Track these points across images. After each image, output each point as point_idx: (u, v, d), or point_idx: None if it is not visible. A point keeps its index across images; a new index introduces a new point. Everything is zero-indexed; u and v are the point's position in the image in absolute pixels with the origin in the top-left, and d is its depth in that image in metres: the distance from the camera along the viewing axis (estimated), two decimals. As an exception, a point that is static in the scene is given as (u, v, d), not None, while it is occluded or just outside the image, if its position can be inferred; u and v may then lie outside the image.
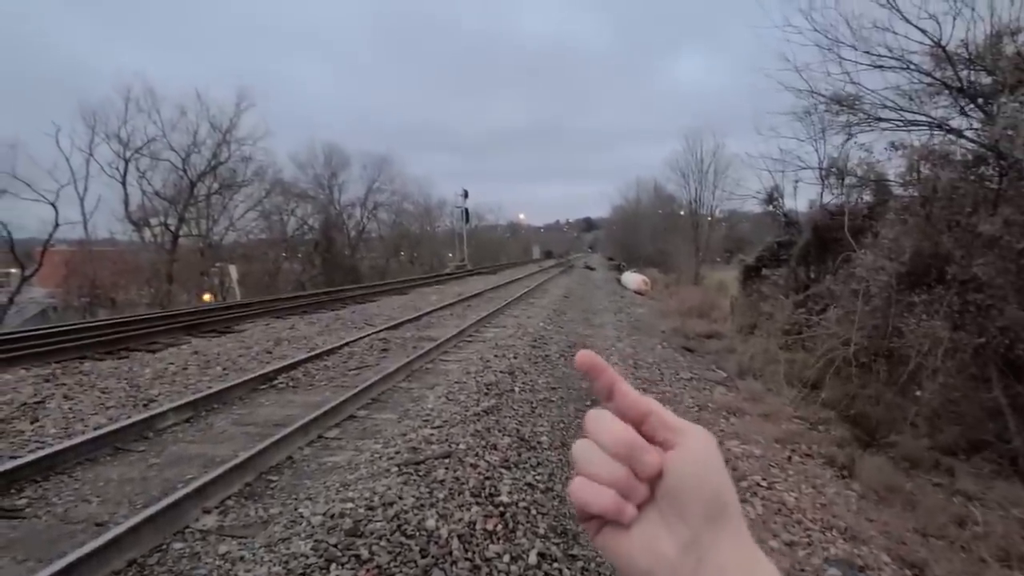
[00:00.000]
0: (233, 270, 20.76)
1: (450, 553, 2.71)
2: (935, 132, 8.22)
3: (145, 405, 5.00)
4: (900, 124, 8.67)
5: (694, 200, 40.13)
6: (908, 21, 7.88)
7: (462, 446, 3.84)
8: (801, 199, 16.23)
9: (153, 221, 27.51)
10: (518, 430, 4.46)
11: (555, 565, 2.85)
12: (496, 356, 6.81)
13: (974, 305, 6.59)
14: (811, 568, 3.72)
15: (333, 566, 2.53)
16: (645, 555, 0.34)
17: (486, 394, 5.15)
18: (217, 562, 2.64)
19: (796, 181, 14.23)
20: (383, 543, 2.70)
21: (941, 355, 6.53)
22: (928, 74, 8.16)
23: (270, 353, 7.15)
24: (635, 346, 9.66)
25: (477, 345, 7.89)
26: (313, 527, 2.83)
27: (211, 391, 5.08)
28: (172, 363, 6.45)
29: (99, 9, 78.80)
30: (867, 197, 11.01)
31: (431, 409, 4.71)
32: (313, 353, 6.77)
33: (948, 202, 7.40)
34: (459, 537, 2.82)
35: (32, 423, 4.52)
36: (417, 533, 2.80)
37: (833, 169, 12.11)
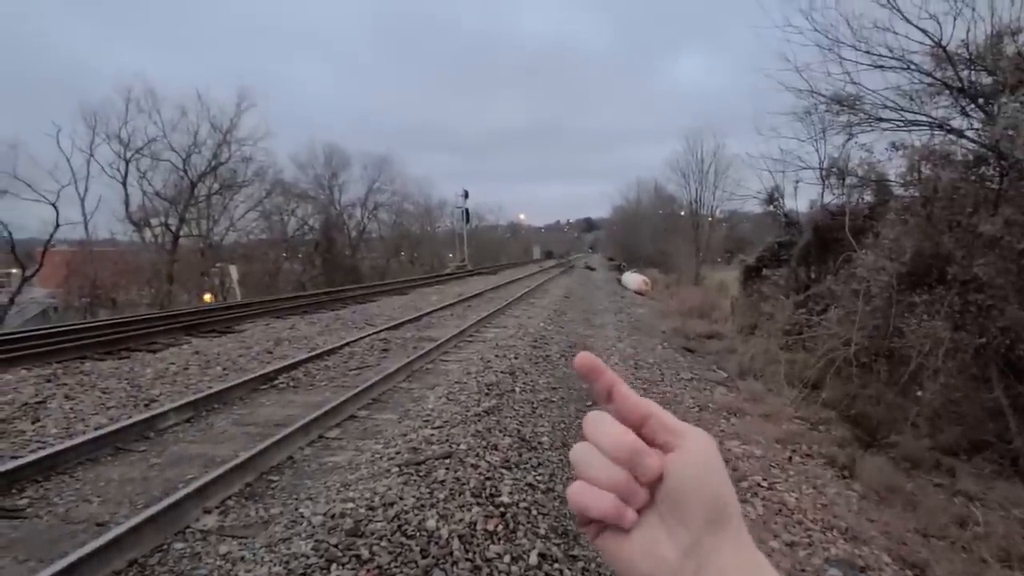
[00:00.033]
0: (233, 270, 20.76)
1: (451, 553, 2.71)
2: (936, 132, 8.23)
3: (146, 405, 5.01)
4: (901, 124, 8.67)
5: (695, 200, 40.14)
6: (908, 21, 7.88)
7: (463, 446, 3.84)
8: (802, 199, 16.27)
9: (154, 221, 27.57)
10: (519, 430, 4.46)
11: (556, 566, 2.85)
12: (497, 356, 6.81)
13: (975, 305, 6.58)
14: (812, 568, 3.71)
15: (334, 566, 2.53)
16: (646, 559, 0.34)
17: (487, 394, 5.15)
18: (218, 562, 2.64)
19: (797, 181, 14.25)
20: (384, 543, 2.70)
21: (942, 355, 6.52)
22: (929, 74, 8.16)
23: (271, 353, 7.15)
24: (636, 346, 9.66)
25: (478, 345, 7.89)
26: (314, 527, 2.83)
27: (212, 391, 5.08)
28: (173, 363, 6.45)
29: (99, 9, 78.95)
30: (868, 197, 11.01)
31: (432, 409, 4.71)
32: (314, 353, 6.77)
33: (949, 202, 7.39)
34: (460, 537, 2.82)
35: (33, 423, 4.52)
36: (418, 533, 2.80)
37: (834, 169, 12.11)
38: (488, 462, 3.69)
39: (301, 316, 10.56)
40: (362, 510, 2.96)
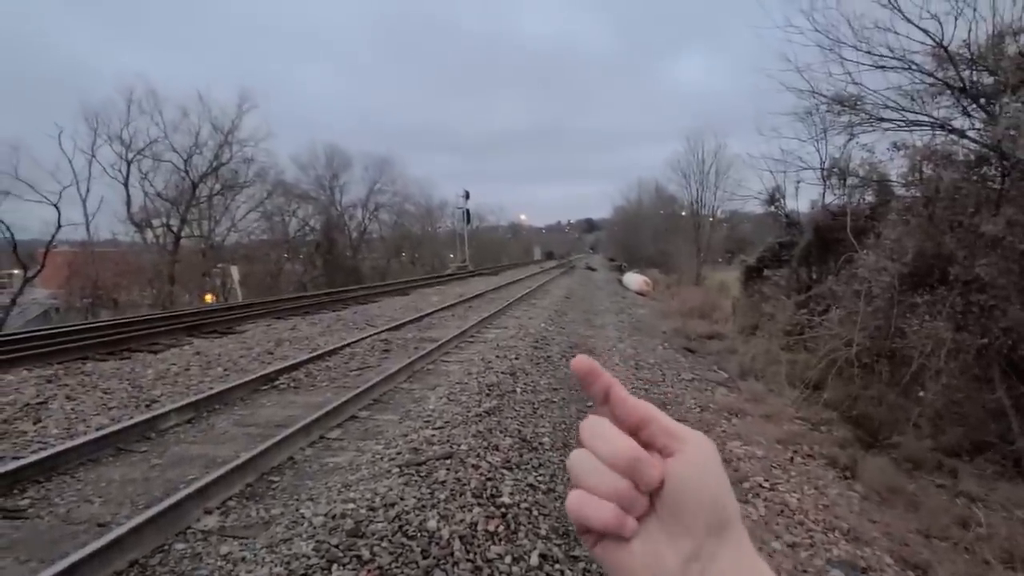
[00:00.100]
0: (235, 271, 20.79)
1: (451, 554, 2.71)
2: (937, 132, 8.21)
3: (147, 406, 5.01)
4: (902, 124, 8.65)
5: (695, 201, 40.20)
6: (910, 21, 7.87)
7: (464, 447, 3.84)
8: (803, 199, 16.20)
9: (155, 222, 27.61)
10: (520, 431, 4.46)
11: (557, 566, 2.84)
12: (498, 357, 6.81)
13: (977, 306, 6.57)
14: (814, 569, 3.70)
15: (334, 567, 2.53)
16: (646, 567, 0.34)
17: (488, 395, 5.15)
18: (219, 563, 2.64)
19: (798, 182, 14.24)
20: (384, 544, 2.70)
21: (944, 356, 6.51)
22: (930, 74, 8.15)
23: (271, 354, 7.16)
24: (636, 347, 9.65)
25: (479, 346, 7.88)
26: (315, 528, 2.83)
27: (213, 392, 5.09)
28: (174, 364, 6.46)
29: (100, 9, 79.02)
30: (869, 197, 10.99)
31: (432, 410, 4.71)
32: (315, 354, 6.77)
33: (951, 202, 7.38)
34: (461, 538, 2.82)
35: (35, 424, 4.53)
36: (419, 534, 2.80)
37: (835, 169, 12.10)
38: (489, 463, 3.69)
39: (302, 317, 10.57)
40: (363, 511, 2.95)
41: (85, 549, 2.50)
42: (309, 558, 2.56)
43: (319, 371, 6.21)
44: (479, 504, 3.17)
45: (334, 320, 10.17)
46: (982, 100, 7.77)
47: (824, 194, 13.02)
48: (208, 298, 24.72)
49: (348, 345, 7.47)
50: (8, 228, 21.82)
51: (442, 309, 11.52)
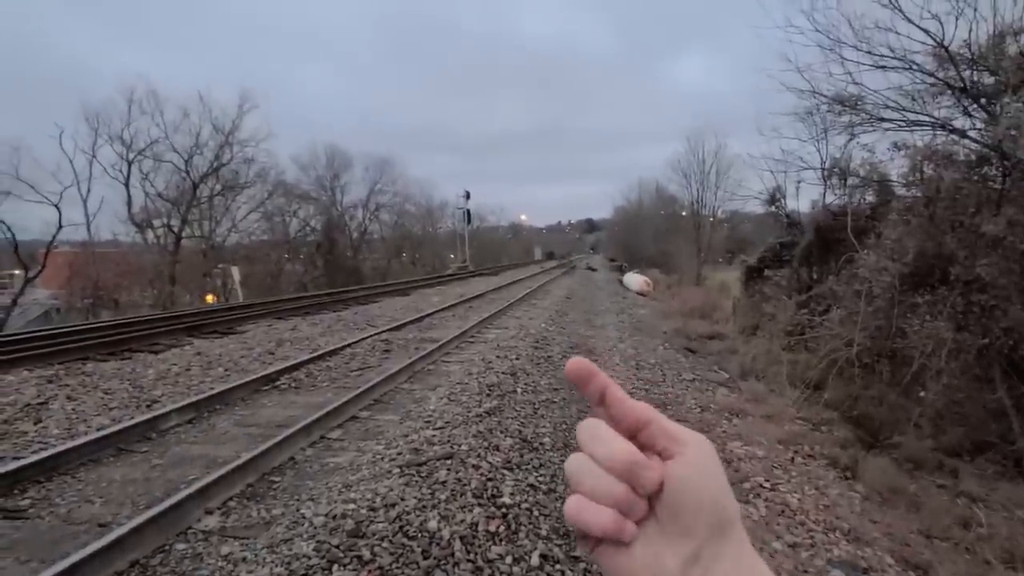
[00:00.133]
0: (235, 271, 20.79)
1: (452, 554, 2.71)
2: (938, 132, 8.21)
3: (148, 406, 5.01)
4: (903, 124, 8.65)
5: (696, 201, 40.20)
6: (910, 21, 7.86)
7: (464, 447, 3.84)
8: (803, 200, 16.20)
9: (156, 223, 27.62)
10: (520, 431, 4.46)
11: (557, 567, 2.84)
12: (498, 357, 6.81)
13: (978, 306, 6.57)
14: (815, 570, 3.70)
15: (335, 567, 2.53)
16: (646, 570, 0.33)
17: (488, 395, 5.15)
18: (219, 563, 2.64)
19: (798, 182, 14.24)
20: (385, 544, 2.70)
21: (945, 356, 6.50)
22: (931, 74, 8.15)
23: (272, 354, 7.16)
24: (637, 347, 9.64)
25: (479, 346, 7.89)
26: (315, 528, 2.83)
27: (213, 392, 5.09)
28: (175, 364, 6.46)
29: (100, 9, 79.15)
30: (870, 197, 10.99)
31: (433, 410, 4.71)
32: (315, 354, 6.78)
33: (951, 202, 7.37)
34: (461, 538, 2.82)
35: (35, 424, 4.53)
36: (419, 534, 2.80)
37: (836, 169, 12.10)
38: (490, 463, 3.69)
39: (303, 317, 10.58)
40: (364, 511, 2.95)
41: (86, 549, 2.50)
42: (310, 558, 2.57)
43: (320, 371, 6.21)
44: (480, 504, 3.17)
45: (335, 320, 10.17)
46: (983, 100, 7.76)
47: (825, 194, 13.04)
48: (209, 298, 24.72)
49: (349, 345, 7.48)
50: (9, 228, 21.86)
51: (443, 309, 11.52)
